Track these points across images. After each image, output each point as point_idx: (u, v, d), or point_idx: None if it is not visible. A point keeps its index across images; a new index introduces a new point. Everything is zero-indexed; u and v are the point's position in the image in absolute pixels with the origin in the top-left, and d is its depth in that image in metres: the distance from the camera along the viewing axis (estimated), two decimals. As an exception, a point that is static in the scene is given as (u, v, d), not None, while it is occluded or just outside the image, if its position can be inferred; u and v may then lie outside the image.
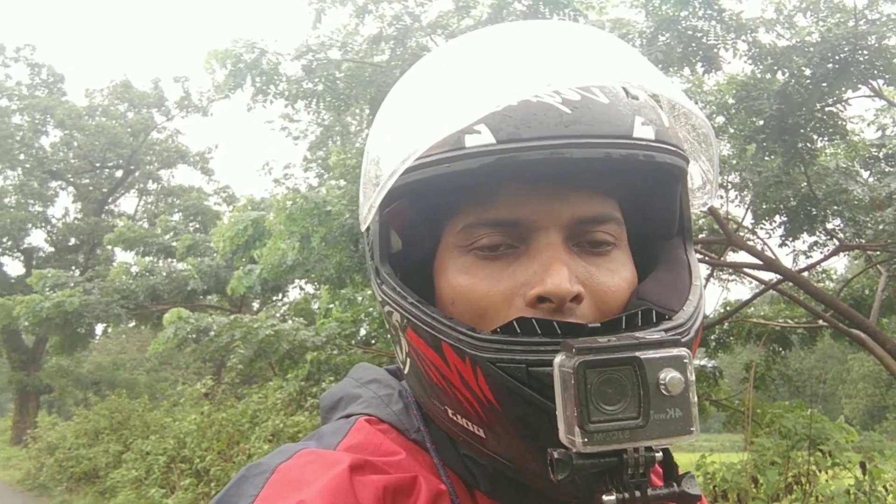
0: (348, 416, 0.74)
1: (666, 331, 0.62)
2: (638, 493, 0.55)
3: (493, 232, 0.66)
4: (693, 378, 0.55)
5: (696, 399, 0.55)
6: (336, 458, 0.65)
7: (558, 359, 0.56)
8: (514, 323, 0.62)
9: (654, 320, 0.64)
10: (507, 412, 0.61)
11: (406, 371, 0.73)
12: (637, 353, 0.54)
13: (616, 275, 0.67)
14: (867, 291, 8.60)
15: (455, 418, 0.66)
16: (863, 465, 4.58)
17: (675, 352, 0.54)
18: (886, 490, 4.55)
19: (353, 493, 0.61)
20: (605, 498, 0.55)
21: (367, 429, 0.71)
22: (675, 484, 0.58)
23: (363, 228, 0.74)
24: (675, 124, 0.71)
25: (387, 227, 0.71)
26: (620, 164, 0.63)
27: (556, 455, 0.55)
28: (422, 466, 0.68)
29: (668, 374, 0.53)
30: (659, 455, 0.55)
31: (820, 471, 4.74)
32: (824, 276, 9.80)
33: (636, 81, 0.64)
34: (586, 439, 0.53)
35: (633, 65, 0.68)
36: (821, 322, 7.70)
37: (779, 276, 6.84)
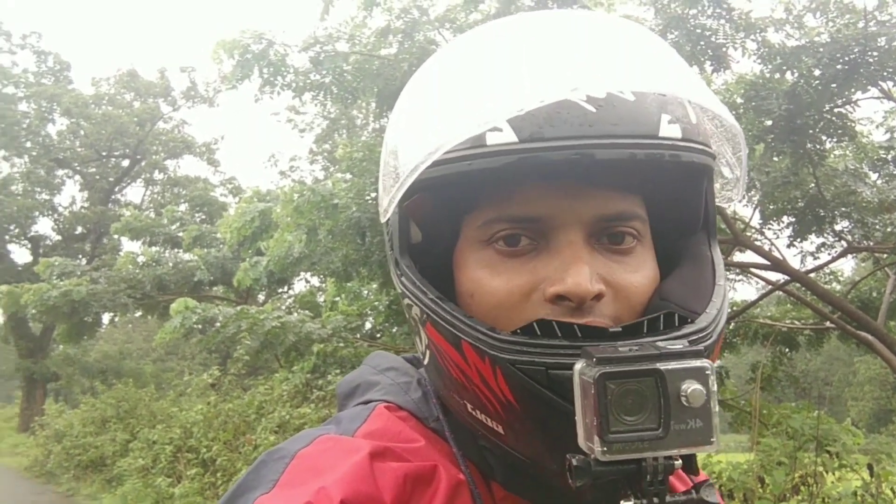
0: (366, 402, 0.74)
1: (688, 337, 0.62)
2: (656, 501, 0.55)
3: (513, 227, 0.66)
4: (715, 388, 0.54)
5: (717, 409, 0.55)
6: (356, 444, 0.65)
7: (578, 366, 0.56)
8: (535, 325, 0.62)
9: (677, 324, 0.64)
10: (527, 413, 0.61)
11: (426, 362, 0.72)
12: (658, 365, 0.54)
13: (638, 272, 0.66)
14: (875, 294, 8.57)
15: (474, 413, 0.65)
16: (870, 467, 4.57)
17: (697, 363, 0.54)
18: (894, 492, 4.54)
19: (373, 479, 0.62)
20: None
21: (387, 415, 0.71)
22: (693, 491, 0.58)
23: (383, 220, 0.74)
24: (702, 118, 0.70)
25: (407, 219, 0.71)
26: (645, 164, 0.62)
27: (574, 462, 0.55)
28: (441, 455, 0.68)
29: (690, 387, 0.53)
30: (678, 463, 0.55)
31: (827, 472, 4.73)
32: (832, 277, 9.76)
33: (662, 89, 0.63)
34: (605, 448, 0.53)
35: (664, 65, 0.67)
36: (828, 324, 7.67)
37: (786, 277, 6.82)
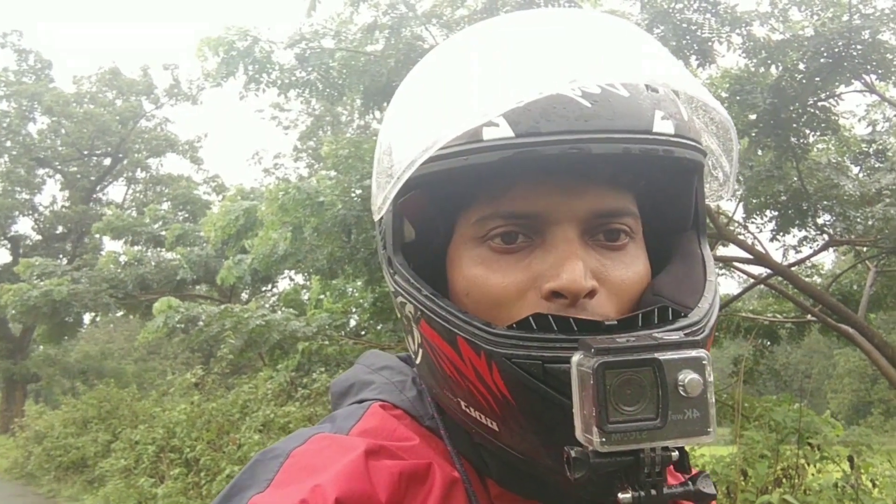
0: (361, 401, 0.74)
1: (683, 329, 0.62)
2: (654, 492, 0.55)
3: (508, 223, 0.65)
4: (711, 379, 0.55)
5: (713, 400, 0.55)
6: (351, 443, 0.65)
7: (576, 357, 0.55)
8: (531, 319, 0.62)
9: (670, 317, 0.64)
10: (523, 408, 0.60)
11: (418, 361, 0.72)
12: (656, 355, 0.54)
13: (630, 269, 0.67)
14: (855, 287, 8.68)
15: (468, 411, 0.65)
16: (851, 459, 4.62)
17: (693, 353, 0.54)
18: (874, 484, 4.60)
19: (368, 478, 0.62)
20: (621, 496, 0.55)
21: (382, 414, 0.71)
22: (690, 483, 0.58)
23: (376, 218, 0.74)
24: (693, 116, 0.71)
25: (400, 217, 0.71)
26: (639, 159, 0.63)
27: (573, 454, 0.55)
28: (435, 453, 0.68)
29: (688, 376, 0.53)
30: (675, 454, 0.55)
31: (809, 464, 4.78)
32: (813, 271, 9.88)
33: (660, 80, 0.63)
34: (604, 439, 0.53)
35: (655, 59, 0.67)
36: (809, 317, 7.76)
37: (768, 271, 6.88)
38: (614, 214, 0.66)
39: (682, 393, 0.53)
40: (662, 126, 0.63)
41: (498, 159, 0.61)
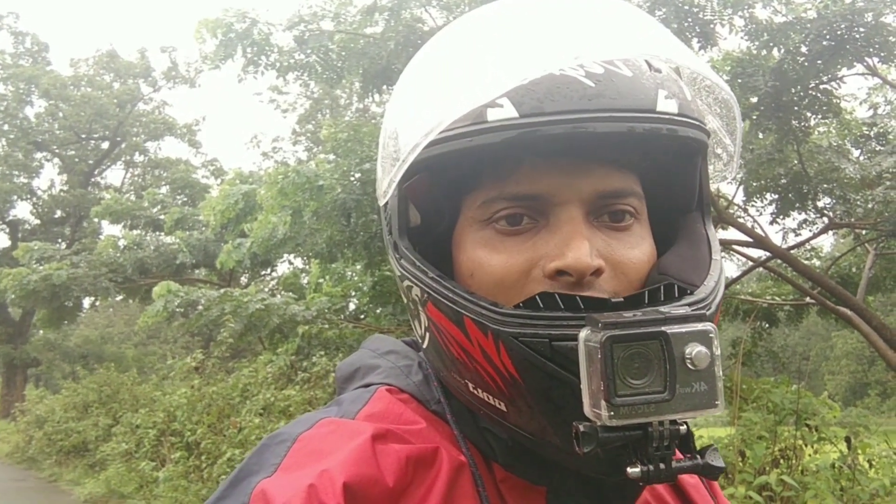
0: (367, 385, 0.74)
1: (690, 305, 0.62)
2: (663, 466, 0.55)
3: (513, 205, 0.65)
4: (719, 352, 0.55)
5: (721, 373, 0.55)
6: (358, 427, 0.65)
7: (583, 333, 0.56)
8: (537, 297, 0.62)
9: (677, 295, 0.64)
10: (530, 386, 0.60)
11: (425, 345, 0.72)
12: (663, 328, 0.54)
13: (636, 249, 0.67)
14: (854, 269, 8.70)
15: (476, 392, 0.65)
16: (848, 440, 4.66)
17: (700, 326, 0.55)
18: (870, 464, 4.64)
19: (375, 462, 0.62)
20: (629, 470, 0.55)
21: (388, 398, 0.70)
22: (699, 456, 0.58)
23: (381, 203, 0.73)
24: (696, 97, 0.71)
25: (406, 201, 0.70)
26: (643, 138, 0.62)
27: (581, 428, 0.55)
28: (442, 437, 0.68)
29: (695, 349, 0.53)
30: (683, 428, 0.56)
31: (806, 445, 4.82)
32: (812, 254, 9.89)
33: (664, 55, 0.63)
34: (612, 413, 0.53)
35: (658, 37, 0.67)
36: (808, 299, 7.78)
37: (768, 254, 6.89)
38: (619, 195, 0.66)
39: (689, 366, 0.53)
40: (666, 105, 0.63)
41: (502, 140, 0.61)
